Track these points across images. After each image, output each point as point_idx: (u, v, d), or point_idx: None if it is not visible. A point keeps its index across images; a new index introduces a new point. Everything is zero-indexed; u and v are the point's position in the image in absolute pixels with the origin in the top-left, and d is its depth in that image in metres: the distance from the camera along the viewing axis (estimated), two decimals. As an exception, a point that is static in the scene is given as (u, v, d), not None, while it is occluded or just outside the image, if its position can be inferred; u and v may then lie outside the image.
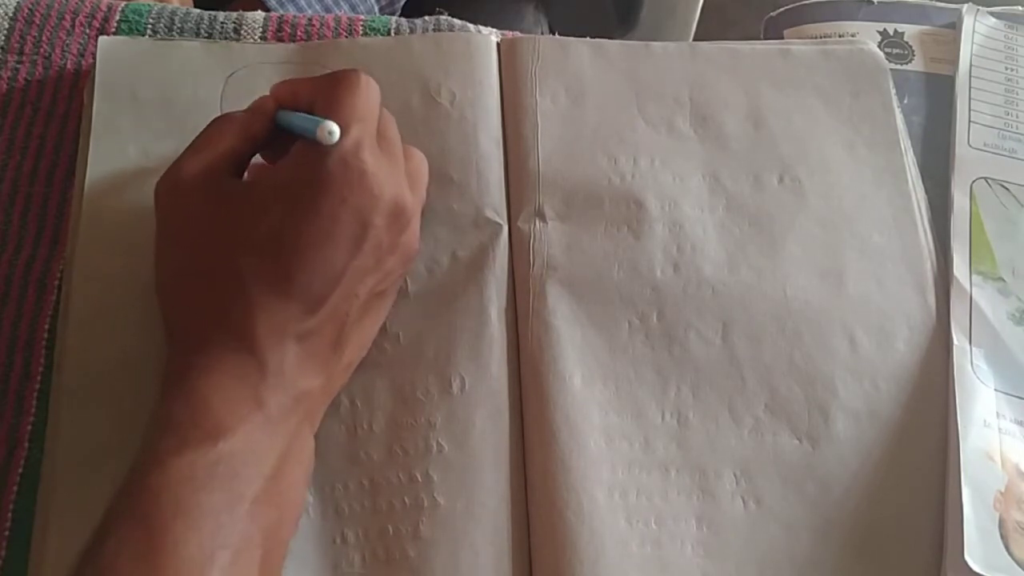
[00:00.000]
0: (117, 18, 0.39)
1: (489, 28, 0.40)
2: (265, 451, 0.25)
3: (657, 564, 0.30)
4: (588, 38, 0.39)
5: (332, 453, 0.31)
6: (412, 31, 0.39)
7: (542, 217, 0.34)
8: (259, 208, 0.27)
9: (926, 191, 0.37)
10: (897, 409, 0.32)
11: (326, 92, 0.28)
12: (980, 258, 0.36)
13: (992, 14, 0.44)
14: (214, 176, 0.28)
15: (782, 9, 0.45)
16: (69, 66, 0.38)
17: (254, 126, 0.30)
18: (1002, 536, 0.30)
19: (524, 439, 0.31)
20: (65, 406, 0.30)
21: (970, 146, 0.39)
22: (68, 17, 0.39)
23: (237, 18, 0.39)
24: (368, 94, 0.28)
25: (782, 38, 0.44)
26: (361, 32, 0.39)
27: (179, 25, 0.39)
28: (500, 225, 0.34)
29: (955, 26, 0.43)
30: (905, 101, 0.41)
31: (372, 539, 0.29)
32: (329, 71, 0.29)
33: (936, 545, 0.31)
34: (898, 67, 0.42)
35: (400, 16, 0.43)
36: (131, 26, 0.39)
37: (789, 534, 0.31)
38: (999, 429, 0.32)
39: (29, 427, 0.31)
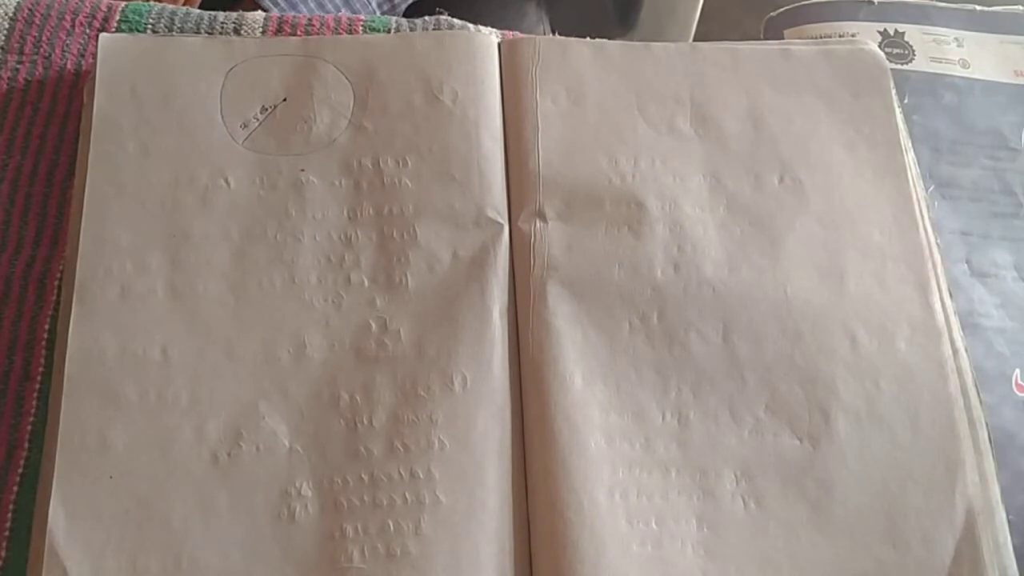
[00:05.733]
0: (117, 18, 0.39)
1: (489, 28, 0.40)
2: None
3: (657, 564, 0.30)
4: (588, 38, 0.39)
5: (331, 447, 0.31)
6: (412, 31, 0.39)
7: (543, 217, 0.34)
8: None
9: (926, 190, 0.37)
10: (898, 409, 0.32)
11: None
12: None
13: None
14: None
15: (782, 9, 0.45)
16: (69, 66, 0.38)
17: None
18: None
19: (525, 439, 0.31)
20: (65, 406, 0.30)
21: None
22: (68, 17, 0.39)
23: (237, 18, 0.39)
24: None
25: (782, 38, 0.44)
26: (361, 31, 0.39)
27: (179, 25, 0.39)
28: (501, 225, 0.34)
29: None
30: (905, 101, 0.41)
31: (372, 534, 0.29)
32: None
33: (937, 545, 0.31)
34: (898, 67, 0.42)
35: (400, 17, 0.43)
36: (131, 26, 0.39)
37: (789, 534, 0.31)
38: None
39: (29, 427, 0.31)
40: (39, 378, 0.32)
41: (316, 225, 0.34)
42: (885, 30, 0.44)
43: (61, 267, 0.34)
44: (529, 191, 0.35)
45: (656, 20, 0.74)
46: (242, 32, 0.39)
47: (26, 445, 0.31)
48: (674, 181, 0.36)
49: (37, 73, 0.37)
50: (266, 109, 0.35)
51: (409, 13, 0.58)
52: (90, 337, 0.31)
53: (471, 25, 0.40)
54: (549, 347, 0.32)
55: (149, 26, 0.39)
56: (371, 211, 0.34)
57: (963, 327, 0.35)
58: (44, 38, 0.38)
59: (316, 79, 0.36)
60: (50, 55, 0.38)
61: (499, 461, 0.31)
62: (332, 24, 0.40)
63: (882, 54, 0.39)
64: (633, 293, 0.33)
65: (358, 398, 0.31)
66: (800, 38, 0.43)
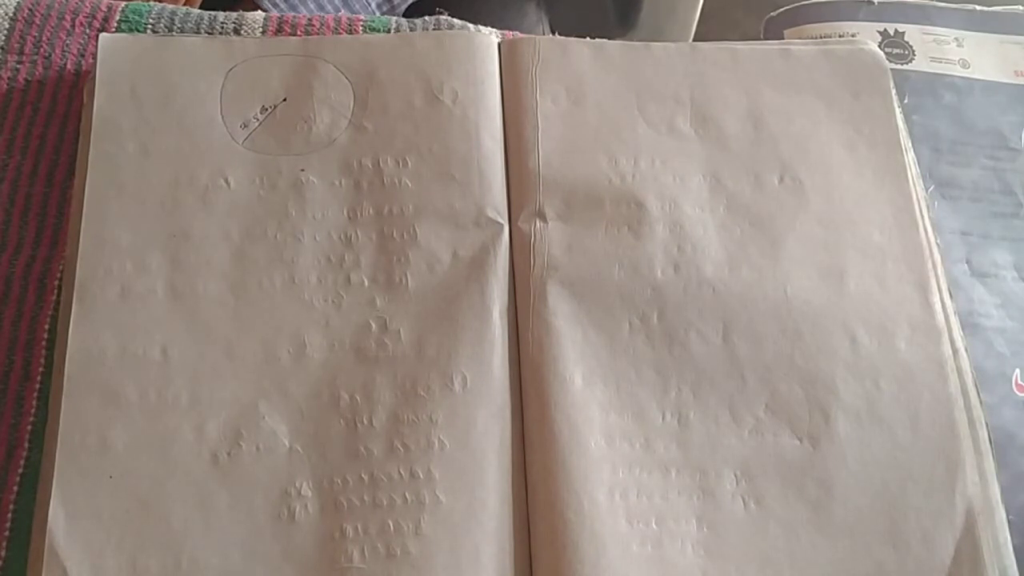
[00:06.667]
0: (117, 18, 0.39)
1: (489, 28, 0.40)
2: None
3: (657, 564, 0.30)
4: (588, 38, 0.39)
5: (331, 447, 0.31)
6: (412, 31, 0.39)
7: (543, 217, 0.34)
8: None
9: (926, 190, 0.37)
10: (898, 409, 0.32)
11: None
12: None
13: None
14: None
15: (782, 9, 0.45)
16: (69, 66, 0.38)
17: None
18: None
19: (525, 439, 0.31)
20: (65, 406, 0.30)
21: None
22: (68, 17, 0.39)
23: (237, 18, 0.39)
24: None
25: (782, 38, 0.44)
26: (361, 31, 0.39)
27: (179, 25, 0.39)
28: (501, 225, 0.34)
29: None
30: (905, 101, 0.41)
31: (372, 534, 0.29)
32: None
33: (937, 545, 0.31)
34: (898, 67, 0.42)
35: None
36: (131, 26, 0.39)
37: (789, 534, 0.31)
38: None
39: (29, 427, 0.31)
40: (39, 378, 0.32)
41: (316, 225, 0.34)
42: (885, 30, 0.44)
43: (61, 267, 0.34)
44: (529, 191, 0.35)
45: (656, 20, 0.74)
46: (242, 32, 0.39)
47: (26, 445, 0.31)
48: (674, 181, 0.36)
49: (37, 73, 0.37)
50: (266, 109, 0.35)
51: (409, 13, 0.58)
52: (90, 337, 0.31)
53: (471, 25, 0.40)
54: (549, 347, 0.32)
55: (149, 26, 0.39)
56: (371, 211, 0.34)
57: (963, 327, 0.35)
58: (44, 38, 0.38)
59: (316, 79, 0.36)
60: (50, 55, 0.38)
61: (499, 461, 0.31)
62: (332, 24, 0.40)
63: (882, 54, 0.39)
64: (633, 293, 0.33)
65: (358, 398, 0.31)
66: (800, 38, 0.43)
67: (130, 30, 0.39)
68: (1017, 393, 0.36)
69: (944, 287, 0.35)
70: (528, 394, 0.32)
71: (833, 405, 0.32)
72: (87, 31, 0.39)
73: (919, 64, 0.43)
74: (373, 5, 0.56)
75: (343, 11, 0.54)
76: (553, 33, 0.40)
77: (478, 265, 0.33)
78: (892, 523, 0.31)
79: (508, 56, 0.38)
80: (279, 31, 0.39)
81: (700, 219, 0.35)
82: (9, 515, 0.30)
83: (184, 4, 0.46)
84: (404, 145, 0.35)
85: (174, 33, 0.39)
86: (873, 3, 0.44)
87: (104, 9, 0.39)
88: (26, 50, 0.38)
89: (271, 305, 0.32)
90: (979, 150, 0.41)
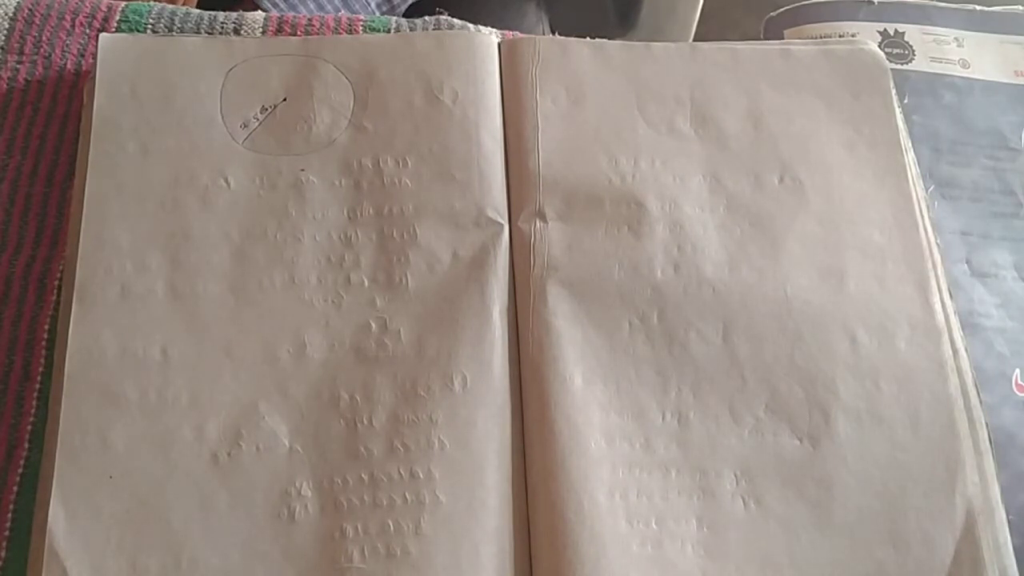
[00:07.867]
0: (117, 18, 0.39)
1: (489, 28, 0.40)
2: None
3: (657, 564, 0.30)
4: (588, 38, 0.39)
5: (331, 447, 0.31)
6: (412, 31, 0.39)
7: (543, 217, 0.34)
8: None
9: (926, 190, 0.37)
10: (898, 409, 0.32)
11: None
12: None
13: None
14: None
15: (782, 9, 0.45)
16: (69, 66, 0.38)
17: None
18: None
19: (525, 439, 0.31)
20: (65, 406, 0.30)
21: None
22: (68, 17, 0.39)
23: (237, 18, 0.39)
24: None
25: (782, 38, 0.44)
26: (361, 31, 0.39)
27: (179, 25, 0.39)
28: (501, 225, 0.34)
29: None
30: (905, 101, 0.41)
31: (372, 534, 0.29)
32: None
33: (937, 545, 0.31)
34: (898, 67, 0.42)
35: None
36: (131, 26, 0.39)
37: (789, 534, 0.31)
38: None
39: (29, 427, 0.31)
40: (39, 378, 0.32)
41: (316, 225, 0.34)
42: (885, 30, 0.44)
43: (61, 267, 0.34)
44: (529, 191, 0.35)
45: (656, 20, 0.74)
46: (242, 32, 0.39)
47: (26, 445, 0.31)
48: (674, 181, 0.36)
49: (37, 73, 0.38)
50: (266, 109, 0.35)
51: (409, 13, 0.58)
52: (90, 337, 0.31)
53: (471, 25, 0.40)
54: (549, 347, 0.32)
55: (149, 26, 0.39)
56: (371, 211, 0.34)
57: (963, 327, 0.35)
58: (44, 38, 0.38)
59: (316, 79, 0.36)
60: (50, 55, 0.38)
61: (499, 461, 0.31)
62: (332, 24, 0.40)
63: (882, 54, 0.39)
64: (633, 293, 0.33)
65: (358, 398, 0.31)
66: (800, 38, 0.43)
67: (130, 30, 0.39)
68: (1017, 393, 0.36)
69: (944, 287, 0.35)
70: (528, 394, 0.32)
71: (833, 405, 0.32)
72: (87, 31, 0.39)
73: (919, 64, 0.43)
74: (373, 5, 0.56)
75: (343, 11, 0.54)
76: (553, 33, 0.40)
77: (478, 265, 0.33)
78: (892, 523, 0.31)
79: (508, 56, 0.38)
80: (279, 31, 0.39)
81: (700, 219, 0.35)
82: (9, 515, 0.30)
83: (183, 4, 0.46)
84: (404, 145, 0.35)
85: (174, 33, 0.39)
86: (873, 3, 0.44)
87: (104, 9, 0.39)
88: (26, 50, 0.38)
89: (271, 305, 0.32)
90: (979, 150, 0.41)
